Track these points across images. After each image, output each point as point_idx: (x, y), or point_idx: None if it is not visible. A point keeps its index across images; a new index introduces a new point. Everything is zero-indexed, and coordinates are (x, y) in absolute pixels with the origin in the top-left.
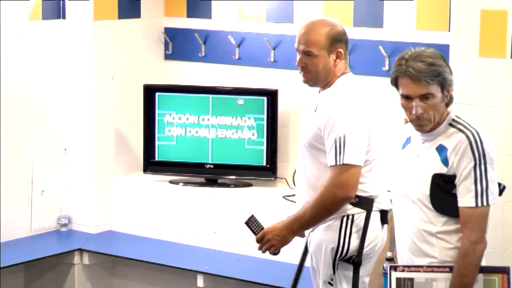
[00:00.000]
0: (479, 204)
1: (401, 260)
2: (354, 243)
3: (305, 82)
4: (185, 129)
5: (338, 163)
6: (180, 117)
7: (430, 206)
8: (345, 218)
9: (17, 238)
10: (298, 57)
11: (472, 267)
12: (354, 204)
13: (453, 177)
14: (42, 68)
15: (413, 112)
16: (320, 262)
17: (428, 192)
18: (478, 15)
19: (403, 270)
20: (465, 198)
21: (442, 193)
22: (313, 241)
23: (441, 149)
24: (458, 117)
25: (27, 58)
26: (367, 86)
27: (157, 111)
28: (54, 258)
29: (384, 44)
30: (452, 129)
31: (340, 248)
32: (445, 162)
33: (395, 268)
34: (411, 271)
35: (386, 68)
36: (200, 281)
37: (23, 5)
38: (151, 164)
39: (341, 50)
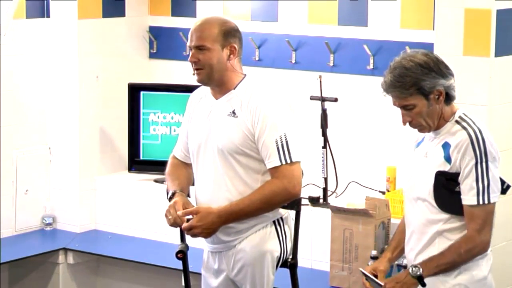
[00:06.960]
0: (481, 202)
1: (408, 261)
2: (289, 245)
3: (199, 80)
4: (170, 128)
5: (285, 162)
6: (165, 116)
7: (434, 203)
8: (276, 222)
9: (1, 237)
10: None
11: (468, 254)
12: (285, 206)
13: (455, 174)
14: (26, 67)
15: (403, 121)
16: (264, 272)
17: (432, 189)
18: (462, 14)
19: None
20: (467, 196)
21: (445, 190)
22: (250, 253)
23: (445, 146)
24: (465, 115)
25: (11, 57)
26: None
27: (141, 110)
28: (39, 257)
29: (368, 43)
30: (457, 127)
31: (283, 254)
32: (448, 159)
33: None
34: None
35: (371, 66)
36: None
37: (7, 3)
38: (136, 163)
39: (235, 46)
